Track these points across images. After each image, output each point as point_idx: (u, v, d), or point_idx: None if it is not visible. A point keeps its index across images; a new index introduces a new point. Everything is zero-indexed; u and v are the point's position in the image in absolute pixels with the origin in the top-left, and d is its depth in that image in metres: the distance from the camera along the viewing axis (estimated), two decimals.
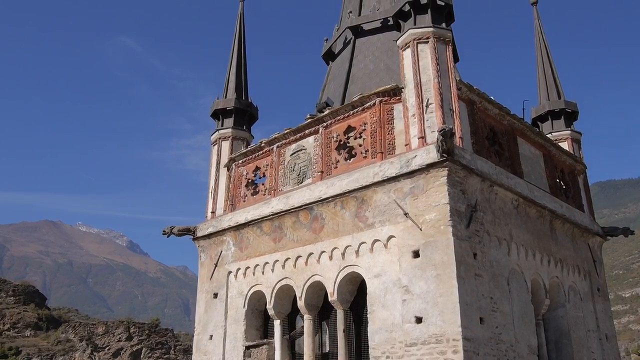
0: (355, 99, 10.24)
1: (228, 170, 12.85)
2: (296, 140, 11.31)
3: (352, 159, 10.24)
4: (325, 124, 10.76)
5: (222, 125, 13.58)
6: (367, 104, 10.13)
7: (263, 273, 11.08)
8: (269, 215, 11.05)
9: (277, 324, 10.82)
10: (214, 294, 11.97)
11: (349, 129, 10.42)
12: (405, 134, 9.51)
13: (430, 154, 8.77)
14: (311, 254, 10.26)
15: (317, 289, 10.26)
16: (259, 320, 11.40)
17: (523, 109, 12.91)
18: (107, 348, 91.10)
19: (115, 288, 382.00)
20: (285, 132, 11.43)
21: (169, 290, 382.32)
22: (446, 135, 8.25)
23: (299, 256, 10.45)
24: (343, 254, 9.75)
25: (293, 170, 11.21)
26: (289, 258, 10.62)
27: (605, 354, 11.55)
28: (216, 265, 12.12)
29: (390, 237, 9.13)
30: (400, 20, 10.41)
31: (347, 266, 9.69)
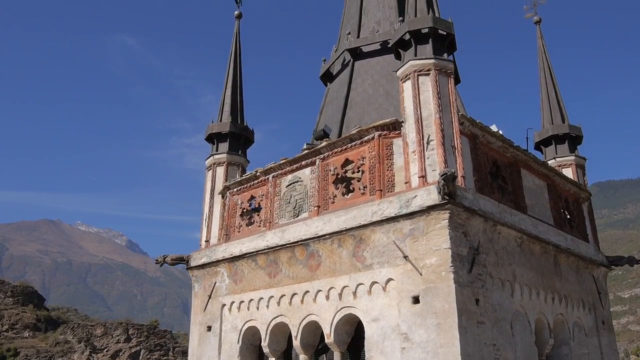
0: (354, 132, 9.88)
1: (223, 197, 12.51)
2: (292, 171, 10.95)
3: (349, 194, 9.88)
4: (322, 155, 10.40)
5: (216, 150, 13.22)
6: (366, 138, 9.77)
7: (258, 309, 10.73)
8: (264, 249, 10.70)
9: None
10: (208, 327, 11.61)
11: (347, 162, 10.07)
12: (405, 170, 9.15)
13: (431, 195, 8.41)
14: (307, 292, 9.90)
15: (313, 329, 9.91)
16: (253, 357, 11.05)
17: (527, 138, 12.56)
18: (106, 349, 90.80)
19: (114, 287, 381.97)
20: (281, 162, 11.08)
21: (168, 290, 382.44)
22: (448, 179, 7.89)
23: (295, 294, 10.09)
24: (340, 295, 9.39)
25: (289, 202, 10.85)
26: (284, 295, 10.27)
27: None
28: (210, 297, 11.77)
29: (389, 280, 8.77)
30: (400, 50, 10.05)
31: (344, 307, 9.33)
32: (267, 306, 10.53)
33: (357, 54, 13.31)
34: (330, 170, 10.24)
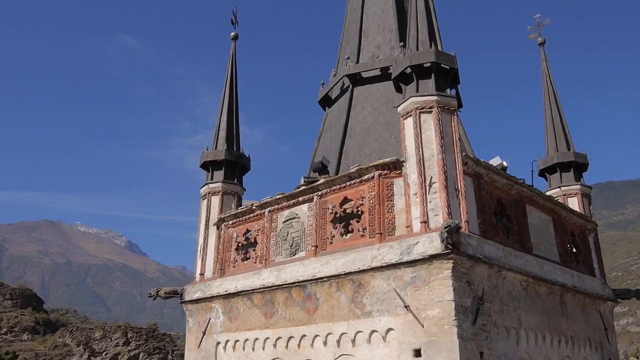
0: (353, 170, 9.49)
1: (218, 229, 12.12)
2: (289, 206, 10.57)
3: (348, 235, 9.50)
4: (320, 193, 10.01)
5: (211, 179, 12.84)
6: (365, 177, 9.38)
7: (253, 349, 10.35)
8: (260, 288, 10.31)
9: None
10: None
11: (346, 200, 9.68)
12: (406, 213, 8.76)
13: (434, 243, 8.02)
14: (304, 336, 9.51)
15: None
16: None
17: (532, 170, 12.19)
18: (105, 353, 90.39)
19: (113, 288, 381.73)
20: (278, 197, 10.69)
21: None
22: (452, 231, 7.52)
23: (292, 337, 9.70)
24: (338, 341, 9.00)
25: (285, 239, 10.46)
26: (280, 337, 9.88)
27: None
28: (204, 334, 11.39)
29: (390, 329, 8.38)
30: (401, 84, 9.67)
31: (342, 355, 8.94)
32: (263, 347, 10.15)
33: (356, 79, 12.93)
34: (328, 208, 9.85)
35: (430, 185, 8.58)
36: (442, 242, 7.84)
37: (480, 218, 8.97)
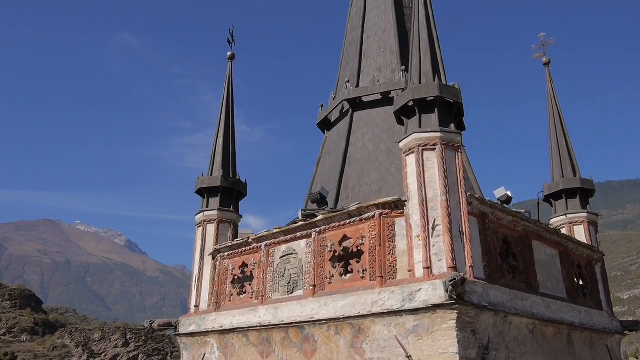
0: (352, 208, 9.11)
1: (213, 259, 11.76)
2: (286, 241, 10.19)
3: (348, 275, 9.13)
4: (318, 229, 9.63)
5: (207, 206, 12.46)
6: (365, 215, 9.00)
7: None
8: (256, 326, 9.95)
9: None
10: None
11: (345, 238, 9.31)
12: (408, 256, 8.39)
13: (437, 292, 7.65)
14: None
15: None
16: None
17: (538, 202, 11.81)
18: (104, 354, 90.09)
19: (113, 287, 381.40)
20: (274, 231, 10.32)
21: (168, 290, 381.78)
22: (457, 284, 7.15)
23: None
24: None
25: (283, 276, 10.09)
26: None
27: None
28: None
29: None
30: (403, 117, 9.28)
31: None
32: None
33: (356, 103, 12.55)
34: (327, 246, 9.48)
35: (433, 228, 8.20)
36: (447, 291, 7.48)
37: (485, 261, 8.59)
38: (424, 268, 8.05)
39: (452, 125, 8.96)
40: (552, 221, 12.91)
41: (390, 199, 8.81)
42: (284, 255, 10.21)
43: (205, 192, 12.60)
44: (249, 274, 10.87)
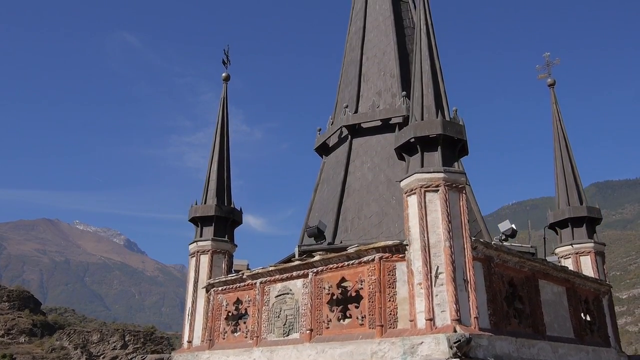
0: (351, 251, 8.69)
1: (207, 292, 11.33)
2: (282, 280, 9.76)
3: (346, 321, 8.70)
4: (315, 270, 9.21)
5: (200, 235, 12.02)
6: (365, 258, 8.57)
7: None
8: None
9: None
10: None
11: (343, 280, 8.88)
12: (409, 304, 7.96)
13: (440, 347, 7.22)
14: None
15: None
16: None
17: (544, 238, 11.39)
18: (102, 356, 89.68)
19: (112, 287, 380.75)
20: (270, 269, 9.88)
21: (167, 289, 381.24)
22: (462, 345, 6.73)
23: None
24: None
25: (278, 316, 9.66)
26: None
27: None
28: None
29: None
30: (404, 154, 8.85)
31: None
32: None
33: (355, 129, 12.11)
34: (324, 287, 9.05)
35: (436, 277, 7.78)
36: (450, 348, 7.06)
37: (490, 309, 8.17)
38: (426, 319, 7.63)
39: (456, 164, 8.54)
40: (557, 250, 12.49)
41: (390, 242, 8.39)
42: (280, 295, 9.78)
43: (198, 221, 12.16)
44: (243, 311, 10.45)
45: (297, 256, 10.09)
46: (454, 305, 7.53)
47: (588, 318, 11.00)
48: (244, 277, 10.41)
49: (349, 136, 12.11)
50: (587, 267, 11.99)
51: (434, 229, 8.01)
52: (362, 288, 8.56)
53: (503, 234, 10.74)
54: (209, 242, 11.85)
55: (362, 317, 8.45)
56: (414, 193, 8.32)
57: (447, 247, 7.85)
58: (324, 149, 13.20)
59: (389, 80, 12.37)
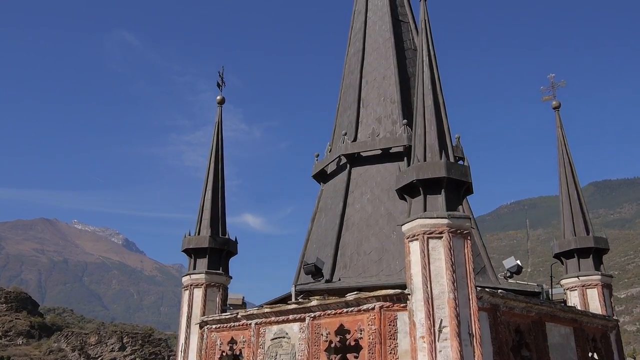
0: (350, 298, 8.27)
1: (200, 328, 10.91)
2: (278, 322, 9.34)
3: None
4: (312, 314, 8.79)
5: (194, 268, 11.61)
6: (364, 307, 8.16)
7: None
8: None
9: None
10: None
11: (342, 328, 8.46)
12: (411, 358, 7.55)
13: None
14: None
15: None
16: None
17: (551, 277, 10.98)
18: (100, 358, 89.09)
19: (110, 286, 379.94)
20: (265, 311, 9.47)
21: (165, 289, 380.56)
22: None
23: None
24: None
25: None
26: None
27: None
28: None
29: None
30: (406, 195, 8.43)
31: None
32: None
33: (354, 158, 11.68)
34: (322, 334, 8.64)
35: (440, 331, 7.37)
36: None
37: None
38: None
39: (461, 208, 8.13)
40: (563, 282, 12.09)
41: (392, 291, 7.98)
42: (276, 338, 9.37)
43: (192, 253, 11.74)
44: (238, 352, 10.03)
45: (294, 297, 9.68)
46: None
47: (595, 356, 10.61)
48: (239, 316, 9.99)
49: (348, 165, 11.69)
50: (594, 300, 11.59)
51: (437, 278, 7.60)
52: (362, 337, 8.15)
53: (508, 270, 10.35)
54: (202, 276, 11.44)
55: None
56: (416, 239, 7.91)
57: (452, 299, 7.44)
58: (322, 176, 12.78)
59: (389, 106, 11.94)
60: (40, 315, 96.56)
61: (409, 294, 7.82)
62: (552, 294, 11.14)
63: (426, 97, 8.76)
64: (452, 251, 7.68)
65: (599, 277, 11.74)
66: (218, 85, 13.18)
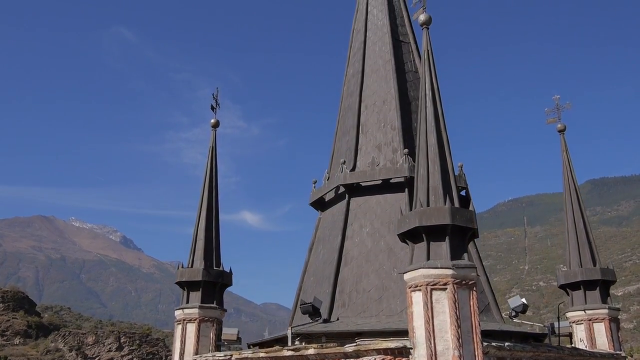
0: (349, 350, 7.86)
1: None
2: None
3: None
4: None
5: (187, 301, 11.19)
6: (364, 359, 7.75)
7: None
8: None
9: None
10: None
11: None
12: None
13: None
14: None
15: None
16: None
17: (558, 317, 10.60)
18: (98, 358, 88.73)
19: (108, 284, 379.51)
20: (260, 355, 9.05)
21: (163, 286, 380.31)
22: None
23: None
24: None
25: None
26: None
27: None
28: None
29: None
30: (408, 240, 8.01)
31: None
32: None
33: (353, 187, 11.25)
34: None
35: None
36: None
37: None
38: None
39: (466, 255, 7.71)
40: (569, 315, 11.70)
41: (393, 344, 7.56)
42: None
43: (185, 286, 11.32)
44: None
45: (290, 341, 9.26)
46: None
47: None
48: (233, 359, 9.58)
49: (347, 195, 11.27)
50: (601, 334, 11.21)
51: (441, 334, 7.19)
52: None
53: (513, 310, 9.95)
54: (196, 310, 11.02)
55: None
56: (419, 290, 7.49)
57: (457, 357, 7.03)
58: (320, 204, 12.35)
59: (390, 132, 11.50)
60: (38, 314, 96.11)
61: (412, 348, 7.40)
62: (559, 331, 10.73)
63: (429, 135, 8.33)
64: (457, 304, 7.27)
65: (606, 311, 11.36)
66: (212, 108, 12.72)
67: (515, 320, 10.17)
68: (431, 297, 7.39)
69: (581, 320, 11.43)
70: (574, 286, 11.84)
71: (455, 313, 7.23)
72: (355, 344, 7.93)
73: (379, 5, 13.12)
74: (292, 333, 9.32)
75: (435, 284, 7.41)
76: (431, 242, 7.70)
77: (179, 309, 11.29)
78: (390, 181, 10.87)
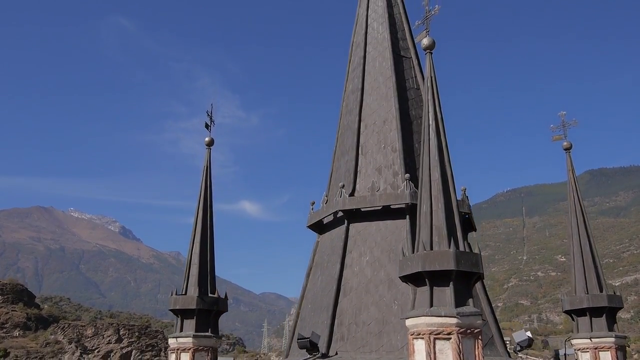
0: None
1: None
2: None
3: None
4: None
5: (181, 329, 10.85)
6: None
7: None
8: None
9: None
10: None
11: None
12: None
13: None
14: None
15: None
16: None
17: (565, 341, 10.27)
18: (97, 350, 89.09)
19: (107, 274, 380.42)
20: None
21: (162, 276, 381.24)
22: None
23: None
24: None
25: None
26: None
27: None
28: None
29: None
30: (410, 283, 7.65)
31: None
32: None
33: (352, 212, 10.86)
34: None
35: None
36: None
37: None
38: None
39: (471, 301, 7.34)
40: (574, 341, 11.40)
41: None
42: None
43: (179, 313, 10.97)
44: None
45: None
46: None
47: None
48: None
49: (346, 220, 10.88)
50: None
51: None
52: None
53: (519, 344, 9.63)
54: (190, 340, 10.68)
55: None
56: (422, 338, 7.14)
57: None
58: (318, 227, 11.97)
59: (390, 154, 11.10)
60: (37, 306, 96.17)
61: None
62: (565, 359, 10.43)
63: (432, 170, 7.92)
64: (461, 355, 6.93)
65: (612, 339, 11.05)
66: (206, 125, 12.29)
67: (520, 354, 9.86)
68: (434, 346, 7.04)
69: (587, 348, 11.12)
70: (579, 312, 11.52)
71: None
72: None
73: (379, 18, 12.65)
74: None
75: (438, 333, 7.06)
76: (434, 287, 7.34)
77: (172, 337, 10.95)
78: (391, 207, 10.49)
